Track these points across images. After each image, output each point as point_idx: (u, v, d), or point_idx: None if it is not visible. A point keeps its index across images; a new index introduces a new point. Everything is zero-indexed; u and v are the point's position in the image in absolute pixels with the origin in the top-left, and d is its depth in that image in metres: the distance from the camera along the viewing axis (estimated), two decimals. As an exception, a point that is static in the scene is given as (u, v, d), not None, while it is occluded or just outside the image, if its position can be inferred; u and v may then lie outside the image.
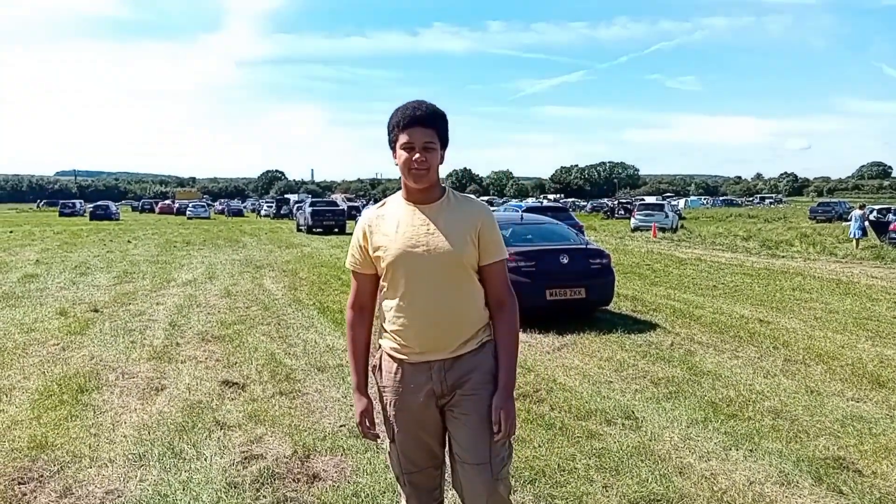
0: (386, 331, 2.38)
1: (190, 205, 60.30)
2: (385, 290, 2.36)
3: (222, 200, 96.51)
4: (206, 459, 4.06)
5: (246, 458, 4.08)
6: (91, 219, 49.33)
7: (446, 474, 2.58)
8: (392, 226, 2.31)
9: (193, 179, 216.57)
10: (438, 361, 2.31)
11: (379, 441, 2.61)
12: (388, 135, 2.31)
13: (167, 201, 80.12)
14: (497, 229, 2.38)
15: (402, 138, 2.23)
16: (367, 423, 2.46)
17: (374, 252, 2.33)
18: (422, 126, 2.23)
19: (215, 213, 66.11)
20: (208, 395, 5.36)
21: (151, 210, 74.97)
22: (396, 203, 2.38)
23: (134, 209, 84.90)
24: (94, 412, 4.93)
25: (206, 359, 6.57)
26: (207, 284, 12.23)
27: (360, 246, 2.38)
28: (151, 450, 4.19)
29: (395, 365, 2.36)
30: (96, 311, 9.17)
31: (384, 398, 2.42)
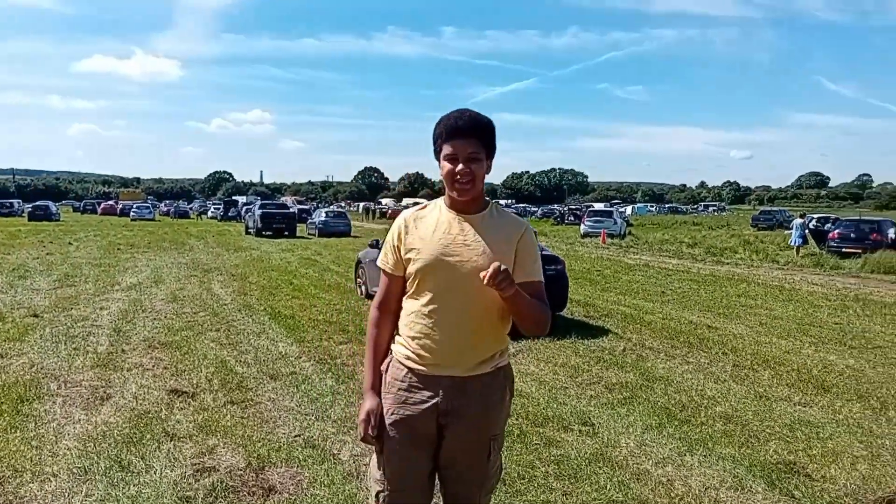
0: (401, 336, 2.30)
1: (134, 206, 58.62)
2: (409, 292, 2.28)
3: (168, 201, 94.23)
4: (155, 472, 3.91)
5: (198, 471, 3.94)
6: (30, 219, 47.53)
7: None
8: (429, 230, 2.24)
9: (138, 180, 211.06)
10: (449, 378, 2.21)
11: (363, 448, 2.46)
12: (433, 145, 2.25)
13: (110, 202, 77.81)
14: (537, 249, 2.30)
15: (446, 149, 2.17)
16: (372, 424, 2.27)
17: (406, 254, 2.25)
18: (464, 137, 2.15)
19: (160, 215, 64.51)
20: (156, 405, 5.19)
21: (94, 211, 72.72)
22: (438, 209, 2.30)
23: (75, 210, 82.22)
24: (36, 423, 4.71)
25: (154, 366, 6.37)
26: (153, 289, 11.89)
27: (394, 245, 2.29)
28: (97, 463, 4.01)
29: (405, 372, 2.26)
30: (36, 316, 8.81)
31: (384, 404, 2.30)
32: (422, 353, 2.22)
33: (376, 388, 2.32)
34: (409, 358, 2.25)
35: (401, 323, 2.31)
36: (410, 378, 2.25)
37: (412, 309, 2.25)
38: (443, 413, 2.22)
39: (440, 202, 2.32)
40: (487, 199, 2.30)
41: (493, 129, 2.22)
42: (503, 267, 2.00)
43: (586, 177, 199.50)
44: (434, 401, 2.21)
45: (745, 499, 3.80)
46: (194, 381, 5.86)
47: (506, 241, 2.22)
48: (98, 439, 4.41)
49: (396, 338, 2.33)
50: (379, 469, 2.30)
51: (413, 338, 2.23)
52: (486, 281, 1.99)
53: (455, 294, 2.18)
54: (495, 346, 2.27)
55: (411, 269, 2.23)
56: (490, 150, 2.22)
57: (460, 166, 2.14)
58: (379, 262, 2.36)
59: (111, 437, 4.46)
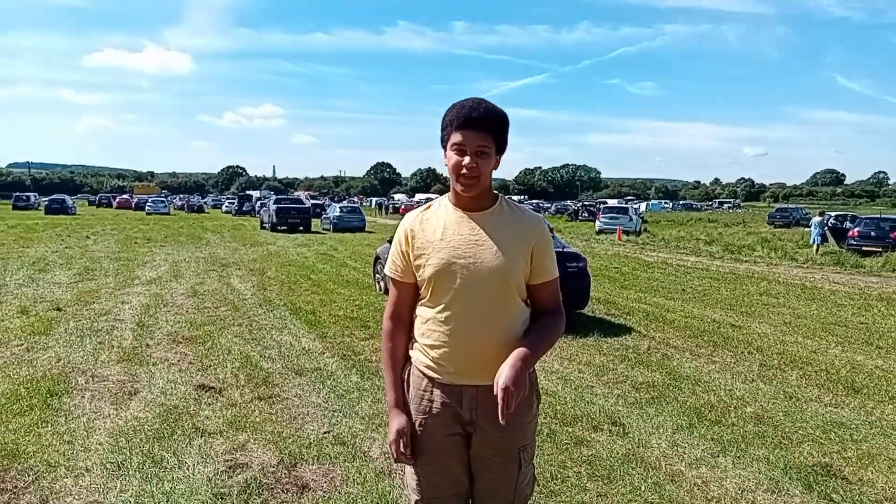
0: (419, 343, 2.19)
1: (149, 200, 58.96)
2: (423, 299, 2.17)
3: (182, 196, 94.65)
4: (188, 468, 3.91)
5: (230, 467, 3.94)
6: (46, 213, 47.93)
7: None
8: (437, 232, 2.11)
9: (152, 174, 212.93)
10: (472, 388, 2.11)
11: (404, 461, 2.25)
12: (441, 132, 2.08)
13: (125, 196, 78.39)
14: (552, 246, 2.18)
15: (454, 138, 2.02)
16: (403, 445, 2.16)
17: (416, 260, 2.13)
18: (477, 129, 1.99)
19: (175, 209, 64.80)
20: (184, 400, 5.19)
21: (109, 205, 73.27)
22: (443, 208, 2.16)
23: (90, 203, 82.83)
24: (66, 417, 4.72)
25: (179, 361, 6.38)
26: (173, 283, 11.93)
27: (402, 251, 2.17)
28: (130, 458, 4.02)
29: (426, 382, 2.16)
30: (59, 309, 8.86)
31: (410, 414, 2.21)
32: (441, 362, 2.11)
33: (401, 405, 2.20)
34: (428, 367, 2.15)
35: (416, 331, 2.20)
36: (431, 388, 2.15)
37: (427, 316, 2.14)
38: (467, 423, 2.14)
39: (444, 201, 2.19)
40: (497, 192, 2.17)
41: (507, 123, 2.08)
42: (503, 385, 1.87)
43: (599, 173, 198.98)
44: (458, 411, 2.13)
45: (782, 502, 3.74)
46: (220, 377, 5.87)
47: (520, 239, 2.10)
48: (129, 434, 4.42)
49: (414, 345, 2.22)
50: (414, 479, 2.22)
51: (430, 347, 2.13)
52: (505, 410, 1.88)
53: (471, 298, 2.06)
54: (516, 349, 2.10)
55: (422, 275, 2.12)
56: (501, 144, 2.07)
57: (467, 159, 2.00)
58: (387, 272, 2.24)
59: (142, 432, 4.46)
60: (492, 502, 2.22)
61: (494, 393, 1.91)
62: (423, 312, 2.17)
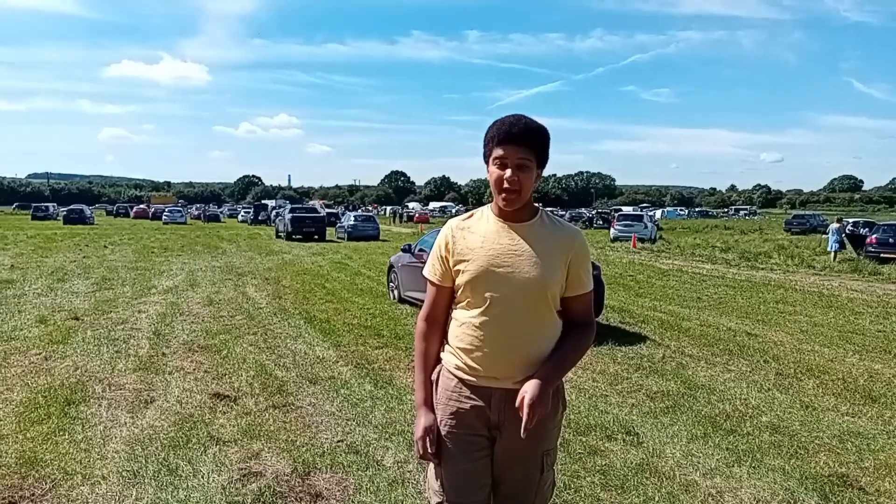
0: (451, 346, 2.24)
1: (166, 209, 59.54)
2: (460, 303, 2.23)
3: (198, 205, 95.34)
4: (203, 476, 3.94)
5: (245, 476, 3.96)
6: (65, 223, 48.49)
7: None
8: (478, 240, 2.17)
9: (168, 184, 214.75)
10: (501, 390, 2.15)
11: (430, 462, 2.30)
12: (484, 147, 2.16)
13: (142, 206, 79.16)
14: (589, 260, 2.26)
15: (496, 152, 2.09)
16: (430, 442, 2.21)
17: (456, 265, 2.19)
18: (517, 144, 2.07)
19: (191, 219, 65.30)
20: (200, 409, 5.23)
21: (126, 214, 74.02)
22: (485, 217, 2.23)
23: (108, 213, 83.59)
24: (83, 426, 4.78)
25: (195, 370, 6.43)
26: (189, 292, 12.03)
27: (442, 256, 2.24)
28: (145, 466, 4.06)
29: (455, 382, 2.21)
30: (77, 318, 8.96)
31: (437, 415, 2.26)
32: (473, 364, 2.17)
33: (429, 404, 2.27)
34: (459, 368, 2.21)
35: (451, 334, 2.26)
36: (461, 388, 2.20)
37: (463, 320, 2.20)
38: (494, 426, 2.19)
39: (487, 211, 2.25)
40: (537, 205, 2.24)
41: (547, 137, 2.14)
42: (529, 401, 1.97)
43: (613, 180, 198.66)
44: (485, 412, 2.17)
45: (798, 512, 3.71)
46: (235, 385, 5.91)
47: (558, 251, 2.16)
48: (145, 442, 4.46)
49: (446, 346, 2.29)
50: (437, 480, 2.26)
51: (464, 350, 2.18)
52: (528, 424, 1.97)
53: (506, 305, 2.11)
54: (546, 357, 2.18)
55: (461, 280, 2.17)
56: (541, 158, 2.13)
57: (508, 173, 2.06)
58: (426, 274, 2.30)
59: (157, 440, 4.50)
60: (513, 501, 2.26)
61: (517, 405, 2.00)
62: (458, 316, 2.23)
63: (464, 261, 2.17)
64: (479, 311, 2.14)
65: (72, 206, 55.30)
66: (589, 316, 2.27)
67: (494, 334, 2.13)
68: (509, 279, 2.11)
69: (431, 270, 2.28)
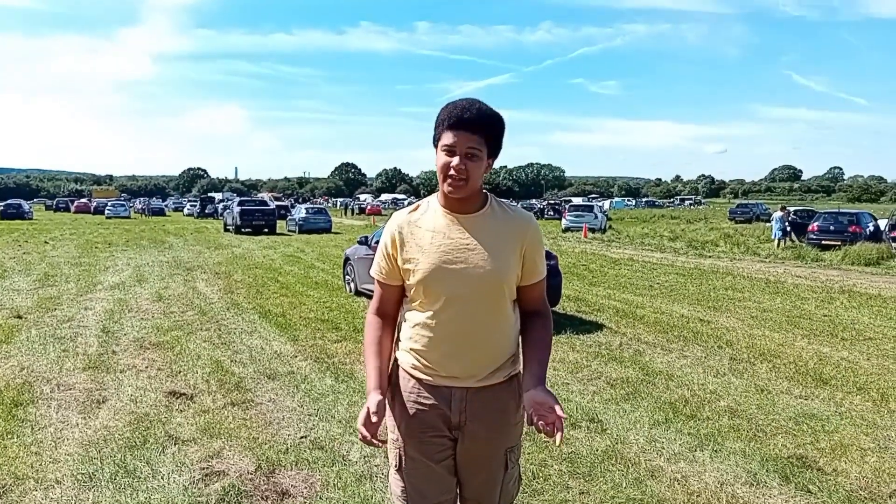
0: (405, 346, 2.14)
1: (109, 203, 57.74)
2: (412, 302, 2.12)
3: (142, 199, 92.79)
4: (163, 477, 3.81)
5: (207, 475, 3.85)
6: (1, 218, 46.57)
7: None
8: (426, 236, 2.05)
9: (111, 177, 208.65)
10: (461, 389, 2.07)
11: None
12: (434, 130, 2.03)
13: (84, 200, 76.59)
14: (542, 246, 2.16)
15: (445, 138, 1.96)
16: (375, 421, 1.98)
17: (404, 264, 2.07)
18: (469, 131, 1.94)
19: (135, 213, 63.52)
20: (155, 407, 5.07)
21: (67, 209, 71.54)
22: (432, 210, 2.10)
23: (48, 208, 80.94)
24: (32, 428, 4.58)
25: (147, 367, 6.24)
26: (137, 288, 11.68)
27: (388, 254, 2.11)
28: (101, 468, 3.90)
29: (413, 383, 2.11)
30: (19, 317, 8.61)
31: (395, 417, 2.17)
32: (429, 364, 2.07)
33: (383, 388, 2.09)
34: (415, 367, 2.11)
35: (403, 335, 2.15)
36: (419, 389, 2.10)
37: (416, 321, 2.09)
38: (454, 426, 2.10)
39: (433, 202, 2.13)
40: (486, 193, 2.12)
41: (502, 126, 2.03)
42: (560, 413, 1.87)
43: (563, 171, 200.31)
44: (445, 413, 2.08)
45: (761, 494, 3.78)
46: (191, 383, 5.74)
47: (511, 241, 2.06)
48: (99, 444, 4.29)
49: (399, 345, 2.18)
50: (400, 485, 2.17)
51: (418, 350, 2.08)
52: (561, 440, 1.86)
53: (461, 303, 2.01)
54: (508, 352, 2.11)
55: (411, 280, 2.06)
56: (493, 147, 2.02)
57: (456, 160, 1.94)
58: (373, 273, 2.19)
59: (113, 441, 4.34)
60: (478, 502, 2.20)
61: (538, 422, 1.87)
62: (411, 317, 2.12)
63: (413, 259, 2.06)
64: (433, 311, 2.04)
65: (8, 201, 53.06)
66: (544, 303, 2.19)
67: (451, 334, 2.03)
68: (463, 275, 2.00)
69: (378, 269, 2.17)
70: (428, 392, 2.10)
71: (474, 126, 1.95)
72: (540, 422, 1.88)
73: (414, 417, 2.11)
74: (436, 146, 2.02)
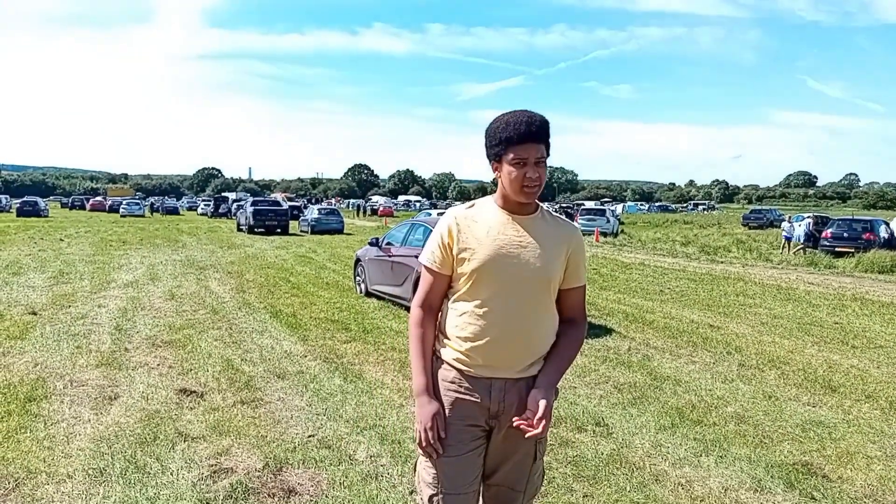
0: (448, 337, 2.24)
1: (124, 202, 58.23)
2: (460, 292, 2.22)
3: (156, 198, 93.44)
4: (172, 474, 3.86)
5: (215, 472, 3.90)
6: (18, 215, 47.13)
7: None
8: (483, 230, 2.19)
9: (126, 176, 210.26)
10: (501, 380, 2.18)
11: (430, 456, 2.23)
12: (494, 146, 2.17)
13: (99, 198, 77.27)
14: (585, 255, 2.32)
15: (515, 153, 2.11)
16: (439, 428, 2.17)
17: (460, 253, 2.19)
18: (535, 141, 2.11)
19: (149, 211, 63.99)
20: (166, 405, 5.14)
21: (82, 207, 72.17)
22: (489, 208, 2.26)
23: (63, 206, 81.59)
24: (45, 423, 4.65)
25: (159, 365, 6.31)
26: (150, 286, 11.79)
27: (444, 244, 2.23)
28: (112, 464, 3.97)
29: (453, 374, 2.22)
30: (34, 313, 8.72)
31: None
32: (473, 355, 2.17)
33: (430, 392, 2.23)
34: (457, 360, 2.21)
35: (449, 324, 2.24)
36: (460, 380, 2.21)
37: (464, 310, 2.19)
38: (492, 416, 2.20)
39: (489, 202, 2.28)
40: (537, 201, 2.27)
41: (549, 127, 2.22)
42: (541, 415, 2.07)
43: (576, 175, 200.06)
44: (484, 403, 2.18)
45: (765, 500, 3.79)
46: (202, 381, 5.81)
47: (559, 245, 2.22)
48: (111, 440, 4.36)
49: (440, 338, 2.28)
50: (432, 474, 2.22)
51: (465, 339, 2.18)
52: (538, 435, 2.08)
53: (509, 295, 2.14)
54: (546, 347, 2.23)
55: (465, 269, 2.18)
56: (549, 150, 2.20)
57: (530, 171, 2.10)
58: (424, 260, 2.29)
59: (124, 437, 4.41)
60: (506, 492, 2.31)
61: (524, 416, 2.09)
62: (459, 306, 2.22)
63: (469, 248, 2.17)
64: (481, 300, 2.16)
65: (25, 198, 53.63)
66: (582, 311, 2.34)
67: (497, 323, 2.14)
68: (516, 269, 2.14)
69: (431, 258, 2.27)
70: (469, 383, 2.20)
71: (538, 137, 2.12)
72: (521, 423, 2.08)
73: (453, 405, 2.21)
74: (497, 160, 2.17)
